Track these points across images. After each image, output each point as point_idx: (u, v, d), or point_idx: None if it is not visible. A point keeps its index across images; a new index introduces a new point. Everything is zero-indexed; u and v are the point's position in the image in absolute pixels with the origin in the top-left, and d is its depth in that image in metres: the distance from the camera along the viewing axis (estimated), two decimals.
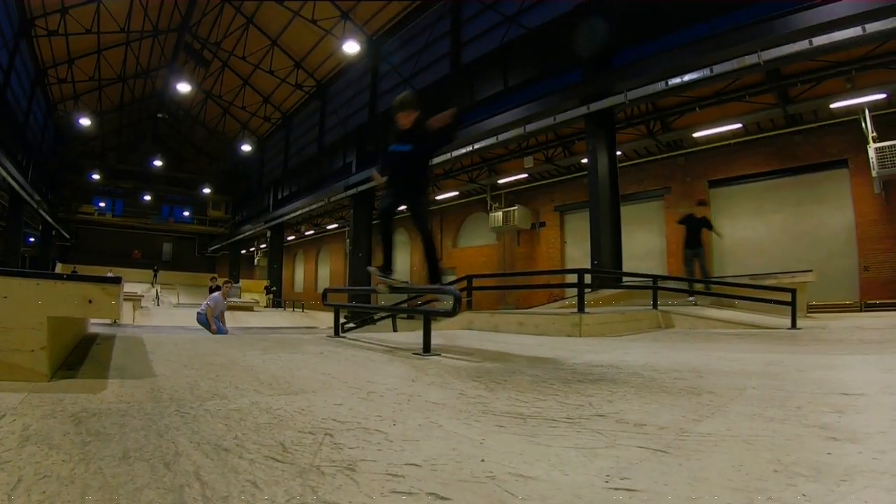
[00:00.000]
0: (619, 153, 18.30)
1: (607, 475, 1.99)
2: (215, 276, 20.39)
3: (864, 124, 16.10)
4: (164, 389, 3.46)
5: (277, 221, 40.03)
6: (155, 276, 46.08)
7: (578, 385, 3.92)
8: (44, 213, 37.77)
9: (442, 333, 8.74)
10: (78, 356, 4.53)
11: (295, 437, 2.42)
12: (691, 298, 12.92)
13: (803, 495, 1.74)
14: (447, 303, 5.87)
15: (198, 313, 14.85)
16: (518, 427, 2.71)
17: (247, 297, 36.98)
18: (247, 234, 46.64)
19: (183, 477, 1.89)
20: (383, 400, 3.40)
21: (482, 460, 2.15)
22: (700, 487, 1.85)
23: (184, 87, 36.25)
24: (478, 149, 21.24)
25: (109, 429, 2.46)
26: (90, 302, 3.56)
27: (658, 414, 3.01)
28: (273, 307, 37.37)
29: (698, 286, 12.89)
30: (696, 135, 20.30)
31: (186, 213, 59.22)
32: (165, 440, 2.32)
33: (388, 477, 1.94)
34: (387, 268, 6.77)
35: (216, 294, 14.96)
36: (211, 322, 14.24)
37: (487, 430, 2.65)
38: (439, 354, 5.69)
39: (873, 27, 11.62)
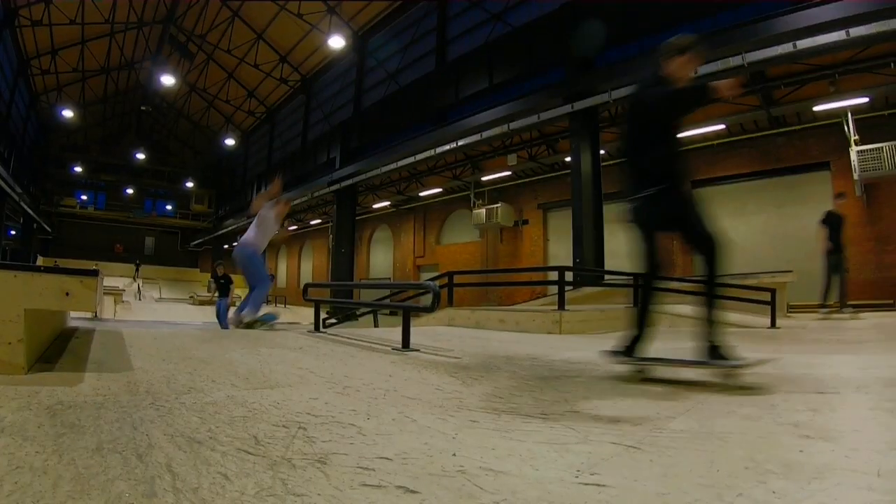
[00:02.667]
0: (602, 152, 18.30)
1: (578, 470, 2.00)
2: (221, 262, 19.51)
3: (846, 127, 16.18)
4: (141, 383, 3.45)
5: None
6: (137, 270, 45.73)
7: (555, 381, 3.94)
8: (25, 206, 37.27)
9: (422, 330, 8.74)
10: (56, 349, 4.51)
11: (268, 431, 2.43)
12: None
13: (773, 492, 1.77)
14: (427, 299, 5.86)
15: (242, 243, 9.23)
16: (492, 422, 2.72)
17: None
18: (230, 228, 46.31)
19: (155, 469, 1.89)
20: (359, 394, 3.40)
21: (454, 455, 2.16)
22: (670, 483, 1.87)
23: (168, 80, 35.87)
24: (462, 146, 21.20)
25: (84, 421, 2.46)
26: (68, 295, 3.54)
27: (632, 410, 3.03)
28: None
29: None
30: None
31: (169, 207, 58.60)
32: (139, 433, 2.32)
33: (358, 470, 1.95)
34: (635, 346, 4.27)
35: (267, 211, 9.33)
36: (262, 241, 9.31)
37: (461, 424, 2.67)
38: (418, 350, 5.71)
39: (857, 31, 11.69)
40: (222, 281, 17.32)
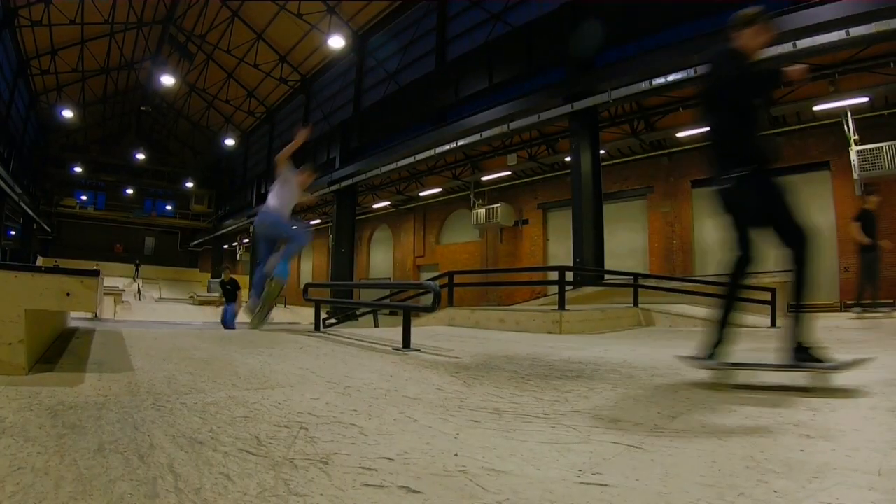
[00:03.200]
0: (602, 152, 18.29)
1: (580, 470, 2.00)
2: (227, 266, 18.99)
3: (846, 127, 16.16)
4: (142, 383, 3.45)
5: None
6: (137, 270, 45.68)
7: (556, 381, 3.94)
8: (25, 207, 37.17)
9: (423, 330, 8.74)
10: (56, 350, 4.51)
11: (270, 431, 2.43)
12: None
13: (774, 492, 1.77)
14: (427, 299, 5.84)
15: (264, 211, 8.20)
16: (493, 422, 2.73)
17: None
18: (230, 228, 46.22)
19: (156, 469, 1.90)
20: (360, 394, 3.40)
21: (456, 455, 2.16)
22: (671, 483, 1.87)
23: (168, 80, 35.78)
24: (462, 146, 21.17)
25: (85, 422, 2.46)
26: (68, 295, 3.54)
27: (633, 410, 3.03)
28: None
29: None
30: (679, 135, 20.26)
31: (169, 207, 58.36)
32: (141, 433, 2.32)
33: (360, 470, 1.95)
34: (717, 350, 3.89)
35: (290, 174, 8.53)
36: (285, 208, 8.27)
37: (462, 424, 2.67)
38: (418, 350, 5.71)
39: (857, 31, 11.69)
40: (229, 287, 16.72)
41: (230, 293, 16.54)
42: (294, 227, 8.41)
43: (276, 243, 8.26)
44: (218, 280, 38.70)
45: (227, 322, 15.65)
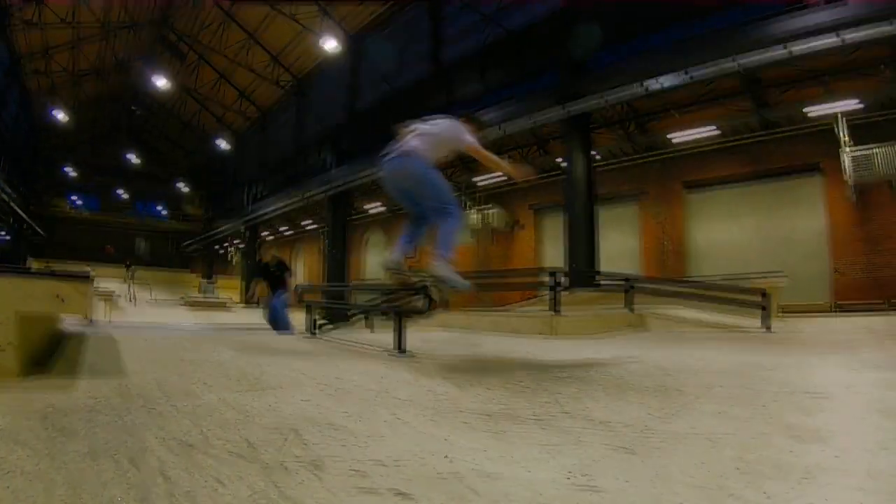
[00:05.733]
0: (595, 155, 18.32)
1: (570, 472, 2.01)
2: (275, 253, 14.54)
3: (838, 131, 16.23)
4: (134, 386, 3.44)
5: (253, 219, 39.54)
6: (128, 272, 45.47)
7: (547, 384, 3.94)
8: (16, 208, 37.01)
9: (416, 333, 8.74)
10: (48, 353, 4.49)
11: (261, 434, 2.42)
12: None
13: (764, 493, 1.78)
14: (421, 302, 5.80)
15: (405, 152, 5.50)
16: (485, 425, 2.73)
17: (221, 295, 36.80)
18: (222, 231, 46.07)
19: (148, 473, 1.89)
20: (352, 397, 3.40)
21: (447, 457, 2.16)
22: (662, 485, 1.87)
23: (160, 81, 35.70)
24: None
25: (77, 425, 2.45)
26: (60, 298, 3.53)
27: (624, 412, 3.04)
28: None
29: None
30: (672, 138, 20.34)
31: (161, 209, 58.26)
32: (132, 437, 2.32)
33: (351, 474, 1.95)
34: None
35: (447, 124, 6.12)
36: (434, 153, 5.69)
37: (454, 427, 2.67)
38: (411, 353, 5.70)
39: (850, 36, 11.75)
40: (274, 270, 12.17)
41: (277, 279, 12.08)
42: (448, 190, 5.60)
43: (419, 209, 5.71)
44: (207, 277, 38.22)
45: (280, 319, 11.73)
